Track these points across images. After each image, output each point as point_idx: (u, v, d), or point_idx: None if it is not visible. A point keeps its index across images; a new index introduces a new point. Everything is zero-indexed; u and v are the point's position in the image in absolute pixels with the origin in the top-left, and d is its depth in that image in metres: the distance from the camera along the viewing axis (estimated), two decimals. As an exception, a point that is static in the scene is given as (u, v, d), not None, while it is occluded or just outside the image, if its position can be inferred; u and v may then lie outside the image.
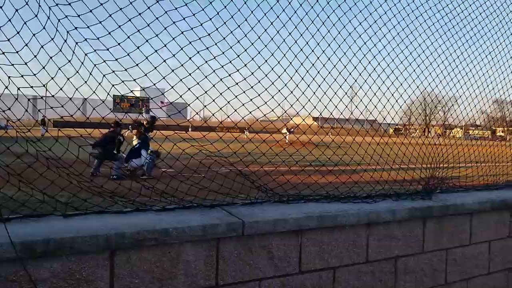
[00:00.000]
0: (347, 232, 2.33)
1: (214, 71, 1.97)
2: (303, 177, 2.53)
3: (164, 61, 1.99)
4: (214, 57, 1.96)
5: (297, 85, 2.33)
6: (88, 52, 1.87)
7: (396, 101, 2.86)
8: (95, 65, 1.87)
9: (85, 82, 1.88)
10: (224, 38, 1.97)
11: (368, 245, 2.40)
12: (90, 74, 1.86)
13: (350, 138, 2.77)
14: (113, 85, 1.92)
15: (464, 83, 3.25)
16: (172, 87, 1.96)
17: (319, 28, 2.41)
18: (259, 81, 2.15)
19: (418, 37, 2.90)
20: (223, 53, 1.97)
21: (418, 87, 3.04)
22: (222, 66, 1.96)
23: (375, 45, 2.75)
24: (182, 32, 1.87)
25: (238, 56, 2.04)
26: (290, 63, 2.29)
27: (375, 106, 2.79)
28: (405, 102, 2.96)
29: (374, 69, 2.77)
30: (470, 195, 2.99)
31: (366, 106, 2.77)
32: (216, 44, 1.96)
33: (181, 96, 1.99)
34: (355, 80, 2.64)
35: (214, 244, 1.94)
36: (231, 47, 1.98)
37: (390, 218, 2.43)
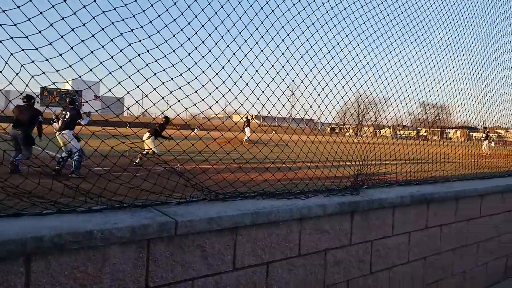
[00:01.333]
0: (280, 227, 2.39)
1: (147, 64, 1.89)
2: (240, 174, 2.54)
3: (92, 52, 1.87)
4: (148, 50, 1.87)
5: (235, 83, 2.33)
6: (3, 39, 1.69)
7: (330, 101, 2.97)
8: (11, 53, 1.70)
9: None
10: (158, 32, 1.89)
11: (300, 240, 2.49)
12: (6, 63, 1.69)
13: (288, 137, 2.84)
14: (32, 76, 1.76)
15: (394, 85, 3.49)
16: (100, 80, 1.84)
17: (257, 27, 2.42)
18: (196, 78, 2.10)
19: (352, 41, 3.04)
20: (157, 46, 1.89)
21: (351, 88, 3.19)
22: (156, 61, 1.89)
23: (312, 46, 2.83)
24: (113, 23, 1.76)
25: (174, 50, 1.98)
26: (230, 61, 2.28)
27: (311, 106, 2.88)
28: (338, 103, 3.09)
29: (311, 70, 2.86)
30: (393, 190, 3.22)
31: (302, 106, 2.85)
32: (149, 37, 1.88)
33: (110, 90, 1.88)
34: (292, 81, 2.70)
35: (144, 245, 1.87)
36: (165, 41, 1.91)
37: (321, 213, 2.53)
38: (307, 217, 2.49)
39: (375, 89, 3.41)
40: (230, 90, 2.33)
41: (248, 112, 2.60)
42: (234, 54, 2.27)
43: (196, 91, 2.02)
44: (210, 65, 2.07)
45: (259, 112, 2.96)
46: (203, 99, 2.04)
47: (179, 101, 1.99)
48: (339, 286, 2.72)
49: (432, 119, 4.67)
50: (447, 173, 4.06)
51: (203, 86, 2.04)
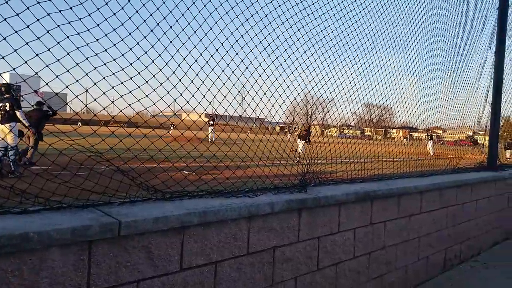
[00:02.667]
0: (229, 226, 2.44)
1: (86, 58, 1.86)
2: (187, 173, 2.57)
3: (27, 43, 1.81)
4: (87, 44, 1.85)
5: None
6: None
7: (276, 100, 3.08)
8: None
9: None
10: (97, 25, 1.87)
11: (249, 238, 2.56)
12: None
13: (241, 135, 2.91)
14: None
15: (339, 84, 3.68)
16: (36, 73, 1.79)
17: (201, 25, 2.46)
18: (139, 73, 2.10)
19: (296, 42, 3.18)
20: (96, 40, 1.87)
21: (296, 88, 3.33)
22: (96, 54, 1.86)
23: (265, 48, 2.91)
24: (48, 14, 1.72)
25: (115, 45, 1.96)
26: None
27: (257, 105, 2.97)
28: (283, 102, 3.20)
29: (264, 70, 2.94)
30: (339, 187, 3.41)
31: (249, 105, 2.93)
32: (88, 30, 1.85)
33: (47, 84, 1.83)
34: (238, 79, 2.77)
35: (86, 247, 1.84)
36: (105, 35, 1.89)
37: (270, 210, 2.63)
38: (255, 215, 2.57)
39: (321, 89, 3.57)
40: (175, 87, 2.34)
41: (205, 109, 2.63)
42: (177, 50, 2.30)
43: (139, 87, 2.02)
44: (153, 61, 2.08)
45: (205, 110, 3.01)
46: (147, 95, 2.05)
47: (121, 96, 1.98)
48: (287, 283, 2.83)
49: (376, 119, 4.98)
50: (389, 172, 4.35)
51: (147, 81, 2.05)
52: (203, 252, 2.33)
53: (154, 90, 2.10)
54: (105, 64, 1.85)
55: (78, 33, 1.79)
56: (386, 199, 3.71)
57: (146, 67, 2.14)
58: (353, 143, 4.01)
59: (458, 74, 5.48)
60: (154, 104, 2.16)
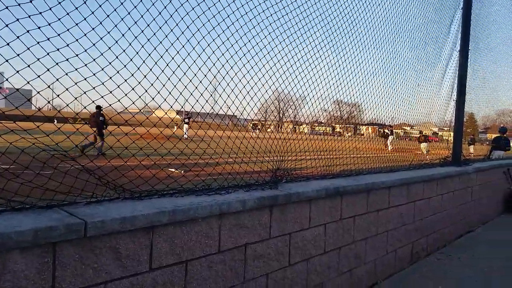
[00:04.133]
0: (200, 224, 2.45)
1: (48, 53, 1.81)
2: (156, 171, 2.55)
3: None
4: (48, 39, 1.79)
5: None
6: None
7: (252, 98, 3.11)
8: None
9: None
10: (59, 19, 1.82)
11: (220, 236, 2.58)
12: None
13: (211, 132, 2.91)
14: None
15: (311, 84, 3.75)
16: (-6, 69, 1.73)
17: (177, 23, 2.44)
18: (102, 69, 2.07)
19: (270, 41, 3.21)
20: (58, 34, 1.82)
21: (270, 87, 3.36)
22: (58, 49, 1.82)
23: (232, 45, 2.92)
24: (7, 7, 1.66)
25: (77, 40, 1.92)
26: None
27: (233, 102, 2.98)
28: (259, 100, 3.23)
29: (231, 67, 2.95)
30: (310, 184, 3.48)
31: (225, 101, 2.94)
32: (49, 24, 1.80)
33: (7, 80, 1.77)
34: (214, 77, 2.77)
35: (50, 250, 1.80)
36: (67, 29, 1.85)
37: (241, 208, 2.65)
38: (227, 212, 2.59)
39: (294, 87, 3.62)
40: (139, 83, 2.32)
41: (182, 107, 2.62)
42: (155, 49, 2.28)
43: (103, 83, 1.99)
44: (117, 57, 2.05)
45: (182, 107, 2.99)
46: (110, 92, 2.01)
47: (84, 93, 1.94)
48: (258, 280, 2.88)
49: (345, 116, 5.10)
50: (359, 167, 4.48)
51: (111, 78, 2.01)
52: (173, 251, 2.33)
53: (118, 86, 2.06)
54: (67, 60, 1.81)
55: (39, 27, 1.74)
56: (355, 195, 3.82)
57: (109, 64, 2.10)
58: (324, 139, 4.10)
59: (425, 72, 5.70)
60: (119, 100, 2.12)
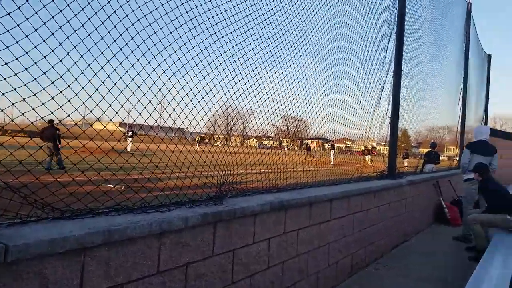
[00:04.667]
0: (138, 244, 2.32)
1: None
2: (91, 187, 2.38)
3: None
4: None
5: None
6: None
7: (198, 112, 3.04)
8: None
9: None
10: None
11: (160, 256, 2.46)
12: None
13: (156, 146, 2.80)
14: None
15: (259, 98, 3.77)
16: None
17: (121, 34, 2.33)
18: (35, 79, 1.90)
19: (219, 56, 3.18)
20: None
21: (218, 101, 3.32)
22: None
23: (179, 58, 2.85)
24: None
25: (8, 47, 1.75)
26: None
27: (179, 116, 2.89)
28: (206, 114, 3.17)
29: (178, 80, 2.87)
30: (255, 198, 3.47)
31: (170, 115, 2.84)
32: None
33: None
34: (159, 90, 2.67)
35: (-39, 279, 1.59)
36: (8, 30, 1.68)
37: (183, 225, 2.56)
38: (167, 231, 2.48)
39: (244, 100, 3.62)
40: (76, 94, 2.17)
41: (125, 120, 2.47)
42: (81, 55, 2.14)
43: (35, 94, 1.82)
44: (52, 66, 1.90)
45: (123, 120, 2.85)
46: (43, 104, 1.86)
47: (13, 104, 1.77)
48: (201, 299, 2.78)
49: (292, 130, 5.20)
50: (302, 180, 4.56)
51: (44, 88, 1.86)
52: (107, 275, 2.17)
53: (53, 98, 1.91)
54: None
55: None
56: (299, 208, 3.87)
57: (44, 74, 1.94)
58: (272, 153, 4.13)
59: (364, 91, 6.00)
60: (52, 113, 1.96)
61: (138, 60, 2.49)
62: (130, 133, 17.79)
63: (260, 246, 3.38)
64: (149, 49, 2.56)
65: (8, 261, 1.73)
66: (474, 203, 7.27)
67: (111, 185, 2.84)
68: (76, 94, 2.09)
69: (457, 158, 12.00)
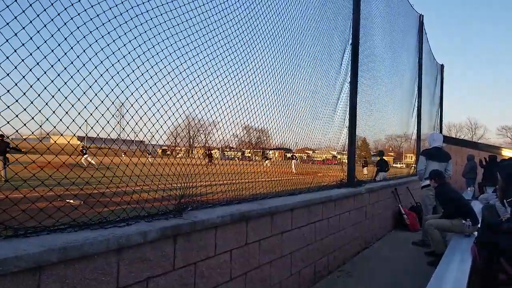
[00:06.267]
0: (95, 261, 2.33)
1: None
2: (43, 204, 2.37)
3: None
4: None
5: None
6: None
7: (161, 126, 3.09)
8: None
9: None
10: None
11: (119, 271, 2.47)
12: None
13: (116, 159, 2.80)
14: None
15: (223, 110, 3.86)
16: None
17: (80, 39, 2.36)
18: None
19: (180, 65, 3.26)
20: None
21: (178, 111, 3.38)
22: None
23: (138, 67, 2.90)
24: None
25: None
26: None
27: (141, 129, 2.93)
28: (168, 127, 3.22)
29: (137, 89, 2.91)
30: (216, 210, 3.54)
31: (132, 129, 2.87)
32: None
33: None
34: (117, 97, 2.71)
35: None
36: None
37: (142, 240, 2.59)
38: (126, 246, 2.50)
39: (203, 111, 3.70)
40: (32, 102, 2.18)
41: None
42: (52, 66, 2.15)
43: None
44: (8, 74, 1.91)
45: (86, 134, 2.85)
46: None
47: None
48: (162, 314, 2.79)
49: (254, 141, 5.33)
50: (264, 191, 4.68)
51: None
52: (65, 293, 2.16)
53: (8, 107, 1.91)
54: None
55: None
56: (260, 218, 3.98)
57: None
58: (234, 164, 4.22)
59: (321, 101, 6.25)
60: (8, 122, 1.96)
61: (96, 67, 2.52)
62: (84, 151, 18.56)
63: (222, 257, 3.44)
64: (107, 57, 2.60)
65: (-44, 283, 1.70)
66: (432, 209, 7.69)
67: (70, 200, 2.81)
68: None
69: (415, 165, 12.62)
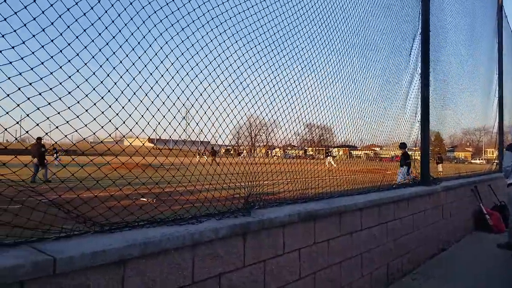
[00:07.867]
0: (172, 255, 2.50)
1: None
2: (127, 202, 2.59)
3: None
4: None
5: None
6: None
7: (222, 126, 3.23)
8: None
9: None
10: (23, 42, 1.90)
11: (194, 266, 2.63)
12: None
13: (179, 160, 2.99)
14: None
15: (282, 105, 3.93)
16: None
17: (145, 50, 2.56)
18: (59, 98, 2.14)
19: (240, 66, 3.38)
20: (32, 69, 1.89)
21: (239, 113, 3.51)
22: (31, 84, 1.89)
23: (201, 71, 3.06)
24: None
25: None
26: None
27: (201, 130, 3.09)
28: (228, 126, 3.36)
29: (201, 94, 3.07)
30: (283, 209, 3.60)
31: (193, 130, 3.05)
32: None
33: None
34: (183, 104, 2.89)
35: (17, 289, 1.81)
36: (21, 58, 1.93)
37: (214, 236, 2.73)
38: (199, 242, 2.65)
39: (267, 113, 3.79)
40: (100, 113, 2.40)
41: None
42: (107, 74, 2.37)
43: (77, 116, 2.06)
44: (78, 86, 2.13)
45: (149, 137, 3.08)
46: (67, 121, 2.07)
47: (57, 127, 2.00)
48: (234, 310, 2.92)
49: (317, 139, 5.32)
50: (331, 189, 4.66)
51: (69, 107, 2.09)
52: (146, 285, 2.36)
53: (77, 116, 2.13)
54: (40, 94, 1.87)
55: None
56: (328, 218, 3.97)
57: (69, 93, 2.18)
58: (297, 163, 4.26)
59: (390, 95, 6.06)
60: (74, 130, 2.19)
61: (162, 75, 2.71)
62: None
63: (291, 256, 3.50)
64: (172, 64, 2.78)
65: (56, 273, 1.93)
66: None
67: (144, 199, 3.05)
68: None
69: (497, 161, 11.68)
